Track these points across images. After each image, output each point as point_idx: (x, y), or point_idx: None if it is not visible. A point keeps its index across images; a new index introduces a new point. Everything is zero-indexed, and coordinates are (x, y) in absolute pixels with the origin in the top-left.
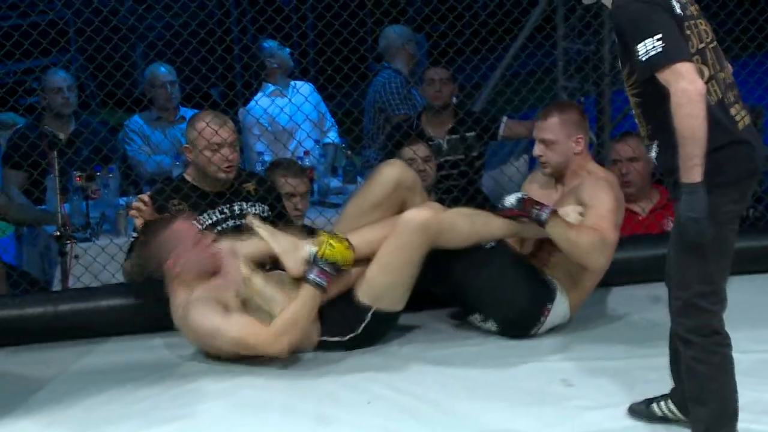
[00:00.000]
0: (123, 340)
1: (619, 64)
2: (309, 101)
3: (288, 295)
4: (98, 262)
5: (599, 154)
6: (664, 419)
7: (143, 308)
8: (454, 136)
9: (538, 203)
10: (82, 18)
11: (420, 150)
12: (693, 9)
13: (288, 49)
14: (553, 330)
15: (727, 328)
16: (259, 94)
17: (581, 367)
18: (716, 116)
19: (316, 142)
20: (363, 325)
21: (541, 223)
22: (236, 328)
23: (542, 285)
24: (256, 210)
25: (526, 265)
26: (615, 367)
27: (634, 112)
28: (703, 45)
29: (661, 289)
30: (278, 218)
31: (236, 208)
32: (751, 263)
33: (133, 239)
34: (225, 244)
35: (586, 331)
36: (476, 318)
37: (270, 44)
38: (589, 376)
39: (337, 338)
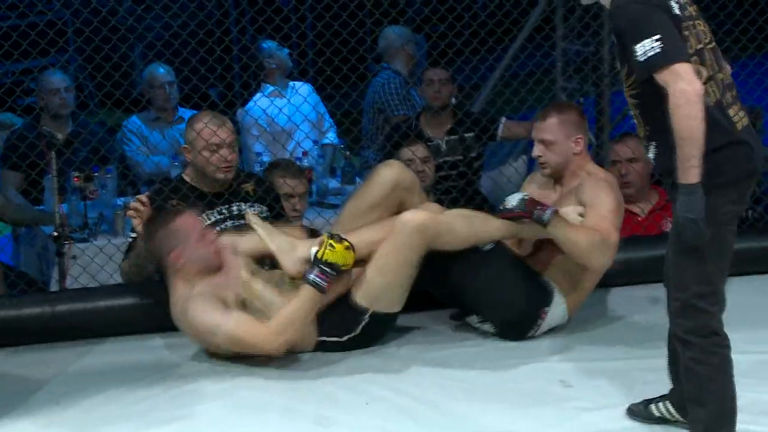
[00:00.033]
0: (121, 341)
1: (618, 65)
2: (308, 102)
3: (287, 296)
4: (96, 263)
5: (598, 155)
6: (662, 420)
7: (141, 308)
8: (452, 137)
9: (540, 203)
10: (81, 18)
11: (419, 151)
12: (692, 9)
13: (287, 50)
14: (552, 331)
15: (726, 329)
16: (258, 95)
17: (580, 368)
18: (715, 117)
19: (315, 142)
20: (361, 326)
21: (543, 224)
22: (234, 325)
23: (540, 287)
24: (254, 211)
25: (524, 267)
26: (613, 368)
27: (632, 112)
28: (701, 46)
29: (659, 290)
30: (277, 219)
31: (234, 208)
32: (750, 264)
33: (131, 240)
34: (227, 239)
35: (585, 332)
36: (474, 319)
37: (269, 45)
38: (587, 377)
39: (335, 338)
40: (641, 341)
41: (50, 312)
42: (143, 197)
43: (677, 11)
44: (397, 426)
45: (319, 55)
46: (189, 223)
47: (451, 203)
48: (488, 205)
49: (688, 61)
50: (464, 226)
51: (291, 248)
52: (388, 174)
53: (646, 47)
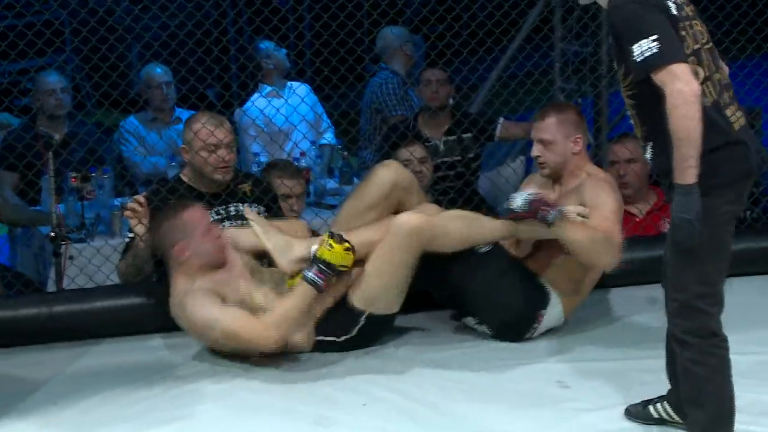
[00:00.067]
0: (118, 342)
1: (616, 65)
2: (305, 102)
3: (286, 294)
4: (93, 264)
5: (596, 155)
6: (660, 421)
7: (139, 309)
8: (450, 138)
9: (545, 203)
10: (78, 18)
11: (416, 151)
12: (689, 10)
13: (284, 50)
14: (550, 332)
15: (725, 330)
16: (256, 95)
17: (578, 369)
18: (712, 117)
19: (313, 143)
20: (357, 327)
21: (549, 224)
22: (230, 319)
23: (537, 289)
24: (253, 210)
25: (521, 268)
26: (611, 368)
27: (629, 113)
28: (698, 46)
29: (657, 291)
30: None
31: (232, 209)
32: (748, 265)
33: (127, 240)
34: (229, 232)
35: (583, 333)
36: (471, 321)
37: (266, 45)
38: (585, 378)
39: (332, 338)
40: (639, 342)
41: (47, 313)
42: (140, 198)
43: (674, 11)
44: (396, 426)
45: (317, 55)
46: (196, 216)
47: (449, 204)
48: (486, 205)
49: (686, 62)
50: (459, 228)
51: (287, 247)
52: (386, 174)
53: (643, 47)
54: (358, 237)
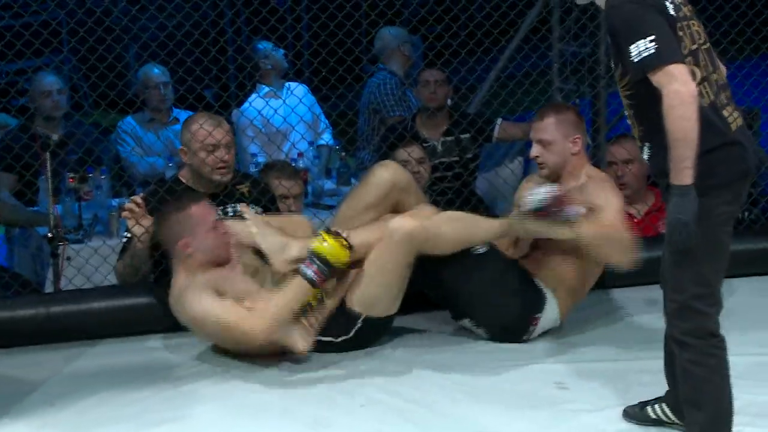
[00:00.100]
0: (116, 342)
1: (613, 65)
2: (303, 103)
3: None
4: (90, 264)
5: (595, 156)
6: (658, 422)
7: (136, 310)
8: (448, 138)
9: (565, 202)
10: (75, 19)
11: (414, 152)
12: (686, 10)
13: (282, 51)
14: (548, 333)
15: (723, 331)
16: (253, 96)
17: (576, 370)
18: (709, 118)
19: (310, 143)
20: (354, 330)
21: (569, 224)
22: (223, 310)
23: (532, 292)
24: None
25: (517, 271)
26: (609, 369)
27: (627, 113)
28: (695, 46)
29: (656, 292)
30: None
31: (230, 209)
32: (746, 266)
33: (125, 241)
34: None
35: (581, 334)
36: (466, 322)
37: (264, 45)
38: (583, 379)
39: (329, 338)
40: (637, 343)
41: (45, 313)
42: (138, 198)
43: (672, 11)
44: (393, 428)
45: (315, 55)
46: (202, 212)
47: (447, 205)
48: (484, 206)
49: (683, 62)
50: (452, 231)
51: (282, 248)
52: (384, 175)
53: (641, 48)
54: (355, 238)
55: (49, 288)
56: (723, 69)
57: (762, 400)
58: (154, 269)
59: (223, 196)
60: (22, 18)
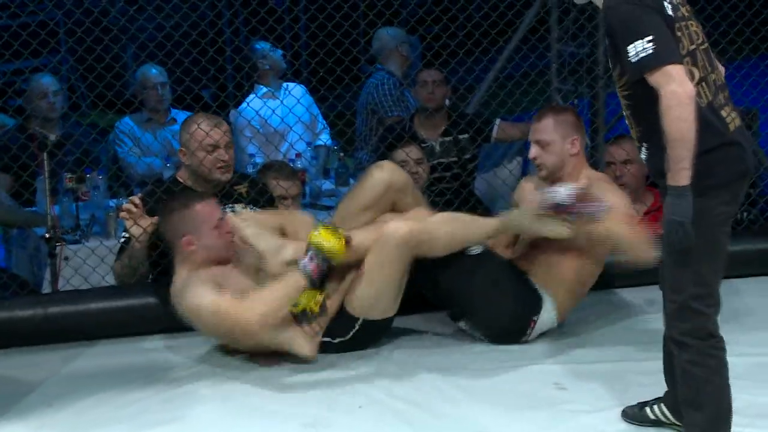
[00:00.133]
0: (114, 343)
1: (611, 66)
2: (301, 103)
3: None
4: (88, 265)
5: (593, 156)
6: (657, 423)
7: (134, 311)
8: (446, 139)
9: (590, 198)
10: (73, 19)
11: (412, 152)
12: (684, 10)
13: (280, 51)
14: (547, 334)
15: (721, 332)
16: (251, 96)
17: (575, 371)
18: (707, 118)
19: (308, 144)
20: (353, 331)
21: (595, 220)
22: (219, 300)
23: (529, 295)
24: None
25: (513, 273)
26: (608, 370)
27: (625, 113)
28: (694, 46)
29: (654, 293)
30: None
31: (228, 210)
32: (745, 266)
33: (123, 241)
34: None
35: (580, 335)
36: (463, 324)
37: (262, 46)
38: (582, 380)
39: (328, 339)
40: (636, 344)
41: (42, 314)
42: (136, 199)
43: (670, 12)
44: (392, 428)
45: (313, 56)
46: (207, 210)
47: (445, 205)
48: (483, 207)
49: (681, 63)
50: (448, 232)
51: (278, 249)
52: (380, 176)
53: (638, 48)
54: (354, 238)
55: (46, 288)
56: (721, 69)
57: (762, 401)
58: (152, 270)
59: (220, 197)
60: (19, 18)
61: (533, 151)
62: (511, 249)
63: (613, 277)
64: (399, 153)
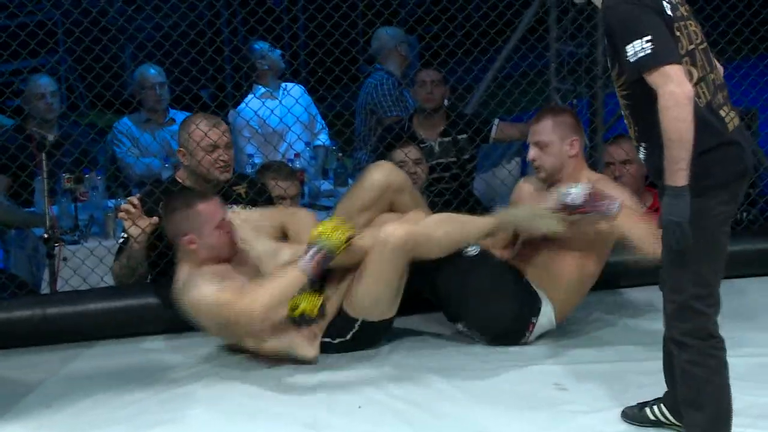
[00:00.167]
0: (112, 344)
1: (610, 65)
2: (300, 103)
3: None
4: (87, 265)
5: (592, 156)
6: (657, 423)
7: (133, 311)
8: (445, 139)
9: (603, 196)
10: (71, 19)
11: (411, 152)
12: (683, 10)
13: (279, 51)
14: (547, 334)
15: (722, 332)
16: (250, 96)
17: (574, 371)
18: (706, 118)
19: (307, 144)
20: (352, 332)
21: (609, 218)
22: (220, 292)
23: (528, 298)
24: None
25: (511, 275)
26: (608, 371)
27: (623, 113)
28: (692, 46)
29: (654, 293)
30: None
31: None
32: (745, 266)
33: (121, 241)
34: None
35: (580, 335)
36: (461, 326)
37: (261, 46)
38: (582, 380)
39: (328, 339)
40: (636, 344)
41: (41, 315)
42: (134, 199)
43: (669, 11)
44: (391, 429)
45: (312, 56)
46: (210, 210)
47: (444, 205)
48: (482, 207)
49: (679, 63)
50: (444, 233)
51: (274, 253)
52: (377, 176)
53: (637, 48)
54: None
55: (45, 289)
56: (720, 69)
57: (763, 401)
58: (151, 270)
59: (220, 198)
60: (17, 18)
61: (532, 152)
62: (509, 250)
63: (614, 277)
64: (398, 153)
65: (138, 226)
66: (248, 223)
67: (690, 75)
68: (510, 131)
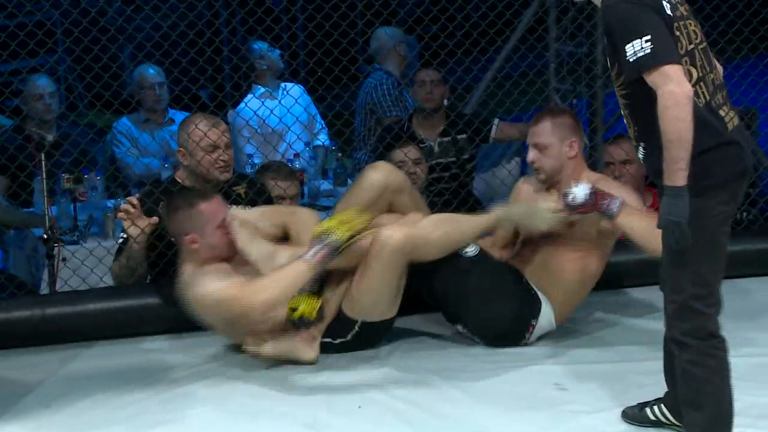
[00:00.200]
0: (111, 344)
1: (609, 65)
2: (299, 103)
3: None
4: (86, 265)
5: (592, 156)
6: (657, 423)
7: (132, 311)
8: (445, 139)
9: (606, 195)
10: (70, 19)
11: (411, 152)
12: (683, 9)
13: (278, 51)
14: (547, 334)
15: (725, 331)
16: (249, 96)
17: (575, 371)
18: (705, 118)
19: (307, 144)
20: (352, 333)
21: (612, 216)
22: (224, 286)
23: (527, 299)
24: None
25: (510, 275)
26: (609, 371)
27: (623, 112)
28: (692, 46)
29: (654, 293)
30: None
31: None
32: (745, 267)
33: (121, 241)
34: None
35: (580, 336)
36: (460, 328)
37: (260, 46)
38: (582, 381)
39: (328, 340)
40: (636, 344)
41: (40, 315)
42: (133, 199)
43: (668, 11)
44: (391, 429)
45: (311, 56)
46: (212, 209)
47: (444, 205)
48: (481, 207)
49: (679, 63)
50: (441, 235)
51: (271, 256)
52: (375, 177)
53: (636, 47)
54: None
55: (44, 289)
56: (720, 69)
57: (763, 401)
58: (151, 270)
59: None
60: (16, 18)
61: (531, 154)
62: (509, 250)
63: (614, 277)
64: (397, 153)
65: (137, 227)
66: (247, 225)
67: (689, 75)
68: (510, 131)
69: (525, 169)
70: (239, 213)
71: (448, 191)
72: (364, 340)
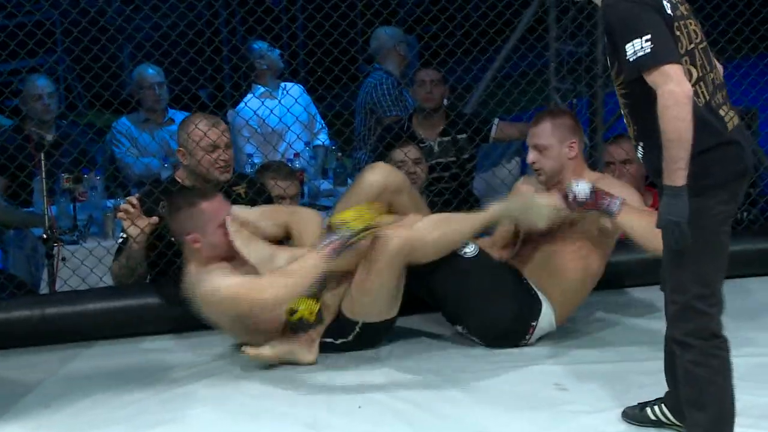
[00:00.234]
0: (111, 344)
1: (609, 64)
2: (299, 103)
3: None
4: (85, 265)
5: (592, 156)
6: (657, 423)
7: (132, 311)
8: (445, 138)
9: (607, 193)
10: (69, 19)
11: (411, 152)
12: (683, 9)
13: (278, 51)
14: (547, 334)
15: (727, 331)
16: (249, 96)
17: (575, 371)
18: (705, 118)
19: (306, 144)
20: (353, 334)
21: (612, 215)
22: (232, 281)
23: (527, 300)
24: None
25: (509, 276)
26: (609, 371)
27: (622, 112)
28: (692, 45)
29: (655, 293)
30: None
31: None
32: (745, 266)
33: (120, 241)
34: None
35: (580, 336)
36: (460, 328)
37: (260, 45)
38: (582, 380)
39: (329, 339)
40: (637, 344)
41: (40, 315)
42: (133, 199)
43: (669, 10)
44: (391, 429)
45: (311, 55)
46: (213, 208)
47: (444, 205)
48: (481, 207)
49: (679, 62)
50: (440, 235)
51: (269, 259)
52: (374, 178)
53: (636, 47)
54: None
55: (44, 289)
56: (720, 68)
57: (764, 401)
58: (150, 270)
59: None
60: (15, 18)
61: (531, 155)
62: (509, 250)
63: (615, 276)
64: (397, 153)
65: (137, 226)
66: (247, 225)
67: (689, 74)
68: (510, 131)
69: (525, 168)
70: (240, 212)
71: (448, 191)
72: (365, 341)
